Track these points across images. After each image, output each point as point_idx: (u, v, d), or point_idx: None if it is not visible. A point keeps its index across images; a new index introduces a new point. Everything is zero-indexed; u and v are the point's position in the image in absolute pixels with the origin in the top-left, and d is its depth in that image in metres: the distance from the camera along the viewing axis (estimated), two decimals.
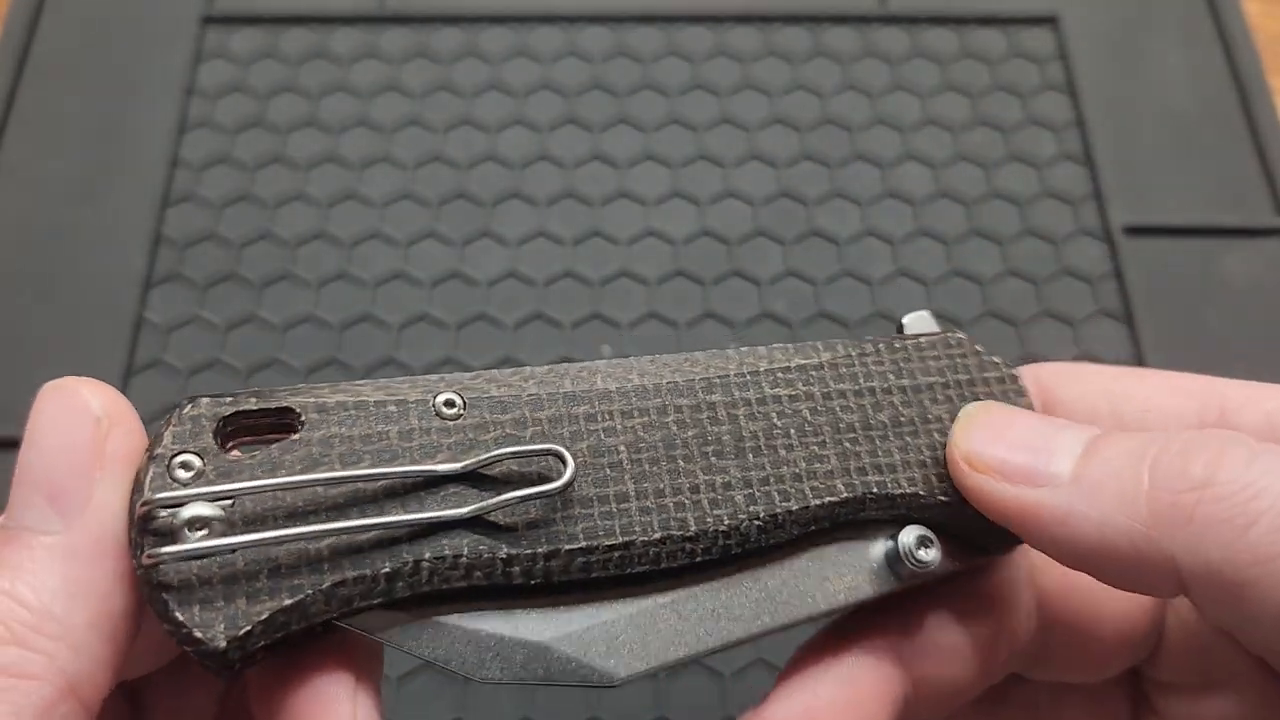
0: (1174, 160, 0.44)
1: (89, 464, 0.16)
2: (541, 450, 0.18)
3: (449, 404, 0.18)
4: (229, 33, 0.46)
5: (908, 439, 0.20)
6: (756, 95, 0.45)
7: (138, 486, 0.16)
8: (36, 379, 0.39)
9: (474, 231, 0.42)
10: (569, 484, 0.18)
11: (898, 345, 0.21)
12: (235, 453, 0.17)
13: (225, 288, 0.41)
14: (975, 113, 0.45)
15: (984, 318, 0.40)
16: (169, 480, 0.16)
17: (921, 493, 0.20)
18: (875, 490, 0.20)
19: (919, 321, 0.22)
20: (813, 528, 0.19)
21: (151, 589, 0.16)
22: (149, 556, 0.16)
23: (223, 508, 0.16)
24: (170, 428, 0.17)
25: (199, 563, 0.16)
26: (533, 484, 0.17)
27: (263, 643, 0.16)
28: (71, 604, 0.15)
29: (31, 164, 0.43)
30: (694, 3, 0.47)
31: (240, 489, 0.16)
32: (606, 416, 0.19)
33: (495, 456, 0.18)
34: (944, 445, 0.20)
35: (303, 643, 0.17)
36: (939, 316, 0.23)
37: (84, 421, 0.16)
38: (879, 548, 0.20)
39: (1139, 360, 0.39)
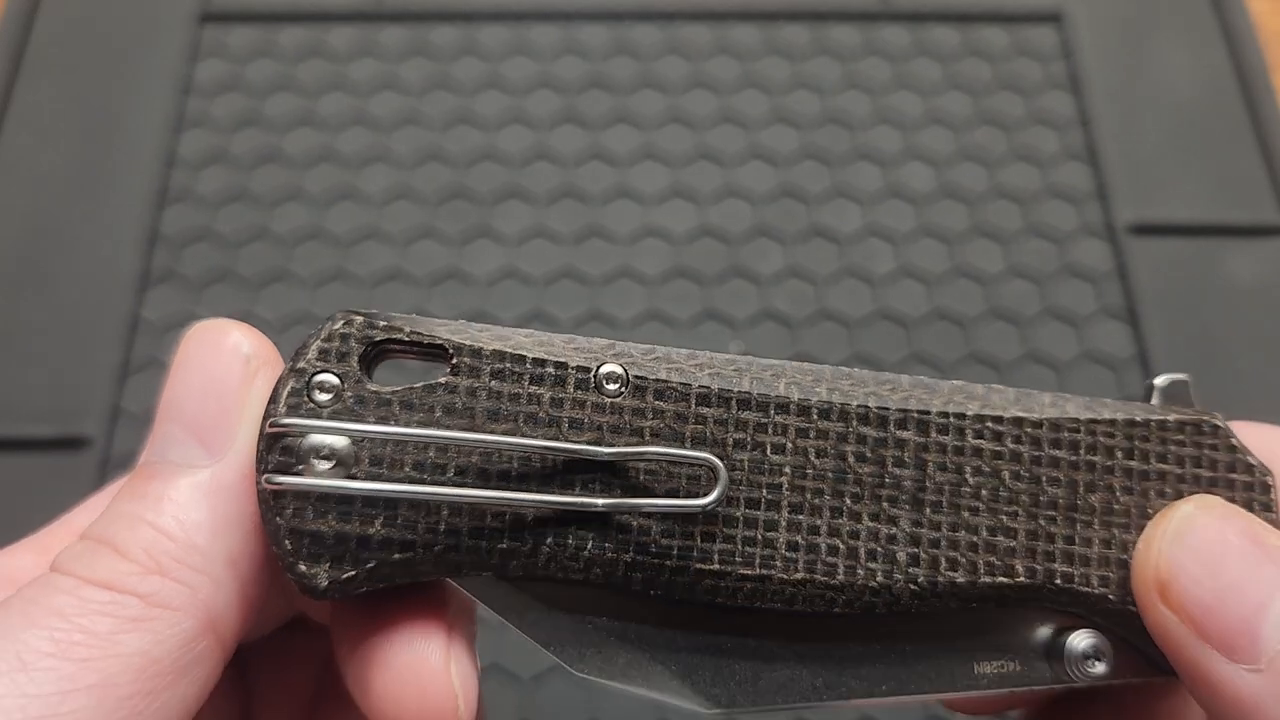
0: (1178, 158, 0.43)
1: (237, 402, 0.16)
2: (697, 459, 0.16)
3: (612, 378, 0.17)
4: (225, 30, 0.46)
5: (1115, 531, 0.18)
6: (757, 93, 0.45)
7: (274, 398, 0.16)
8: (32, 377, 0.39)
9: (472, 230, 0.42)
10: (714, 504, 0.16)
11: (1139, 419, 0.18)
12: (375, 386, 0.16)
13: (222, 286, 0.40)
14: (978, 110, 0.45)
15: (987, 316, 0.40)
16: (305, 399, 0.16)
17: (1112, 597, 0.17)
18: (1059, 582, 0.17)
19: (1175, 388, 0.19)
20: (974, 605, 0.17)
21: (267, 510, 0.16)
22: (269, 482, 0.16)
23: (353, 441, 0.16)
24: (317, 341, 0.16)
25: (317, 497, 0.16)
26: (679, 491, 0.16)
27: (364, 589, 0.16)
28: (214, 539, 0.15)
29: (28, 161, 0.43)
30: (694, 0, 0.47)
31: (373, 432, 0.16)
32: (779, 430, 0.17)
33: (645, 454, 0.16)
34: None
35: (403, 591, 0.16)
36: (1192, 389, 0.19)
37: (233, 360, 0.16)
38: (1042, 639, 0.18)
39: (1141, 359, 0.39)
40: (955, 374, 0.39)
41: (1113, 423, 0.18)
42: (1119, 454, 0.18)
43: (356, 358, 0.16)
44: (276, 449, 0.16)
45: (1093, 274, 0.41)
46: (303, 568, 0.15)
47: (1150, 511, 0.18)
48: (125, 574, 0.15)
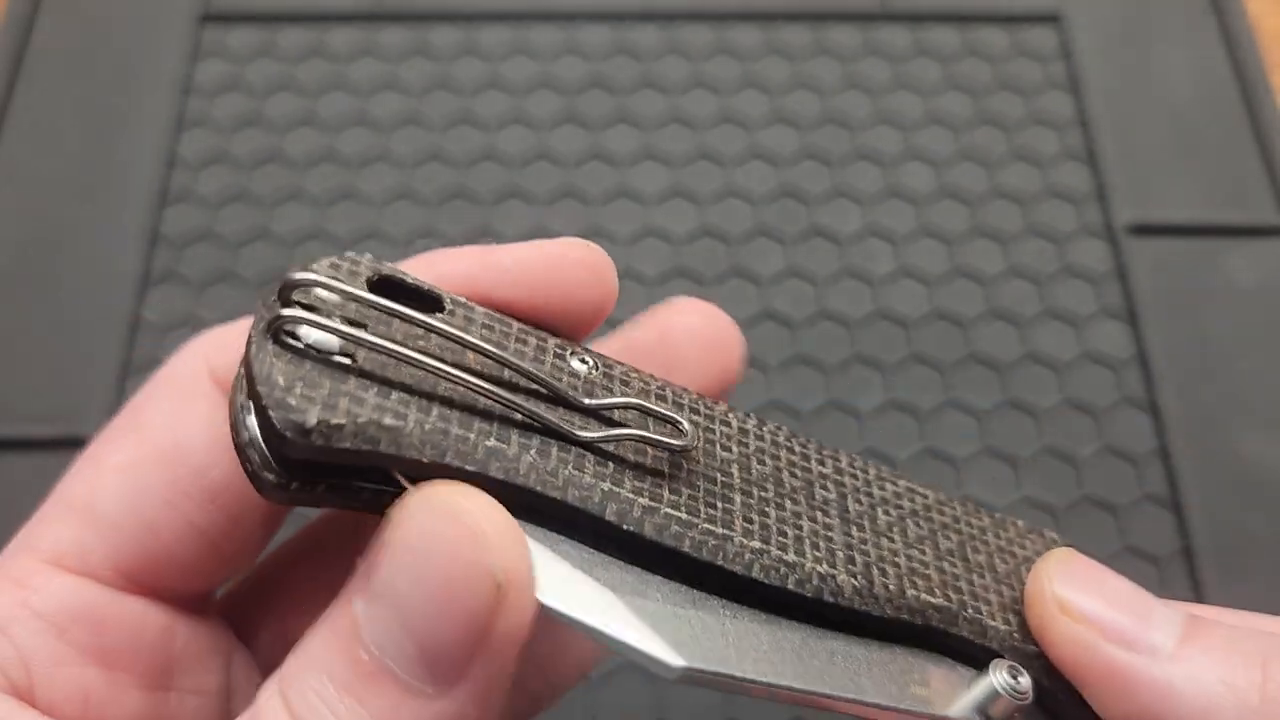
0: (1177, 159, 0.43)
1: (477, 638, 0.14)
2: (668, 416, 0.17)
3: (580, 360, 0.17)
4: (226, 31, 0.46)
5: (1003, 587, 0.19)
6: (757, 93, 0.45)
7: (266, 300, 0.15)
8: (33, 378, 0.39)
9: (473, 230, 0.42)
10: (688, 447, 0.17)
11: (998, 516, 0.21)
12: (379, 299, 0.16)
13: (222, 287, 0.40)
14: (978, 111, 0.45)
15: (986, 317, 0.40)
16: (311, 296, 0.16)
17: (1016, 634, 0.19)
18: (970, 613, 0.18)
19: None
20: (904, 617, 0.18)
21: (269, 340, 0.15)
22: (283, 310, 0.15)
23: (362, 321, 0.16)
24: (329, 258, 0.16)
25: (318, 350, 0.15)
26: (645, 454, 0.17)
27: (346, 447, 0.15)
28: None
29: (28, 162, 0.43)
30: (694, 0, 0.47)
31: (388, 306, 0.15)
32: (725, 430, 0.18)
33: (625, 404, 0.17)
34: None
35: (367, 501, 0.16)
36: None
37: (483, 589, 0.14)
38: (965, 675, 0.19)
39: (1142, 358, 0.39)
40: (955, 374, 0.39)
41: (979, 511, 0.20)
42: (989, 534, 0.20)
43: (365, 280, 0.16)
44: (293, 300, 0.15)
45: (1092, 274, 0.41)
46: (292, 401, 0.14)
47: (1023, 577, 0.19)
48: None
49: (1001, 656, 0.19)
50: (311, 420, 0.14)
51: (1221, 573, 0.35)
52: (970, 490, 0.37)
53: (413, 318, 0.15)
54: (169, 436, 0.17)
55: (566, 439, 0.16)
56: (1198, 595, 0.34)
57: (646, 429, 0.17)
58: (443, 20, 0.46)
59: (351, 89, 0.45)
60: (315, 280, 0.15)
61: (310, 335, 0.15)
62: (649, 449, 0.17)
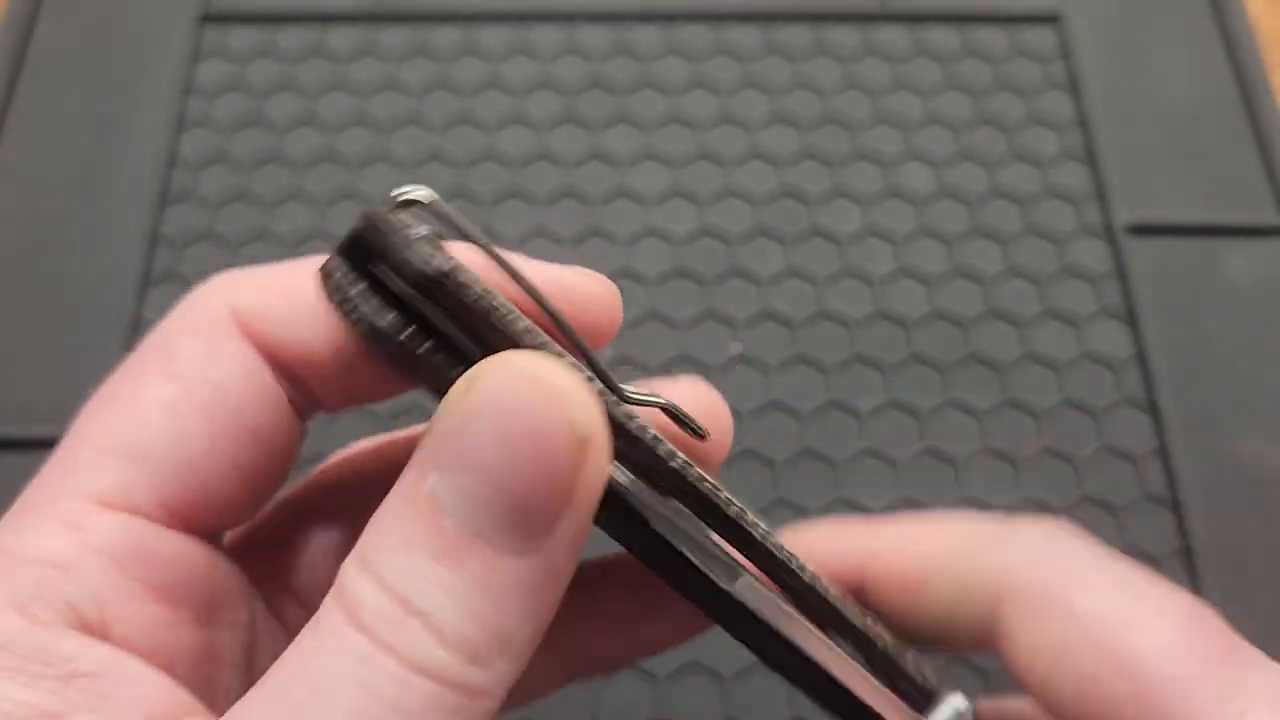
0: (1177, 159, 0.43)
1: (566, 494, 0.14)
2: (691, 422, 0.18)
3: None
4: (226, 31, 0.46)
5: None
6: (757, 94, 0.45)
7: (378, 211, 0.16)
8: (33, 378, 0.39)
9: None
10: (704, 435, 0.18)
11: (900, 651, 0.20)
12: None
13: None
14: (977, 111, 0.45)
15: (986, 317, 0.40)
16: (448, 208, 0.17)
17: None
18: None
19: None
20: (838, 629, 0.19)
21: (399, 211, 0.16)
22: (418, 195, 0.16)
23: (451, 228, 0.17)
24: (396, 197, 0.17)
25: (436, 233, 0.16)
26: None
27: (468, 300, 0.15)
28: (529, 632, 0.15)
29: (28, 163, 0.43)
30: (694, 1, 0.47)
31: (476, 234, 0.16)
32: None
33: (659, 402, 0.17)
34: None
35: (437, 372, 0.16)
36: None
37: (570, 444, 0.14)
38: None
39: (1141, 358, 0.39)
40: (955, 374, 0.39)
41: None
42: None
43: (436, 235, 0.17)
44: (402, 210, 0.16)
45: (1092, 274, 0.41)
46: (430, 250, 0.15)
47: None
48: (449, 665, 0.14)
49: None
50: (447, 266, 0.15)
51: (1221, 573, 0.35)
52: (970, 490, 0.37)
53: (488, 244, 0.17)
54: (206, 376, 0.17)
55: (615, 392, 0.16)
56: (1197, 595, 0.34)
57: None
58: (443, 20, 0.47)
59: (352, 89, 0.45)
60: (429, 199, 0.16)
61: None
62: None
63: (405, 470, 0.15)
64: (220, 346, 0.17)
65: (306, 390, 0.18)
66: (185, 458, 0.17)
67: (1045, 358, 0.39)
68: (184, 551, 0.17)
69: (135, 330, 0.39)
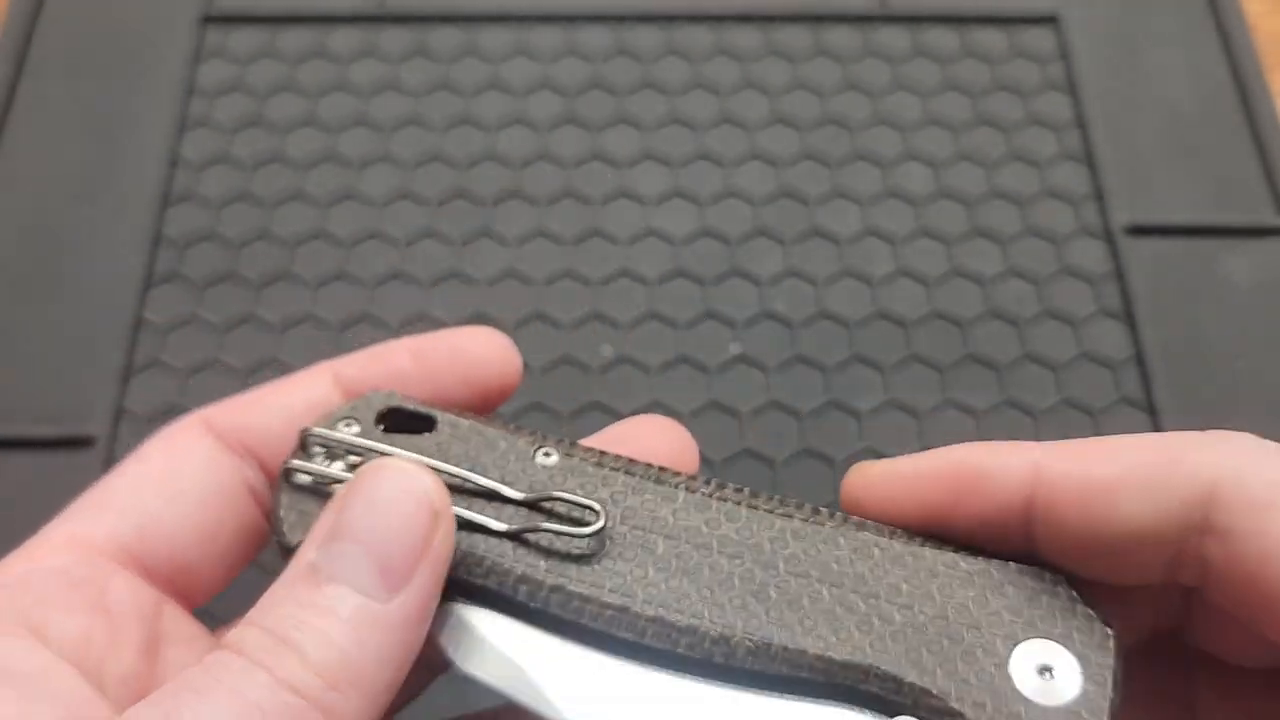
0: (1175, 159, 0.44)
1: (420, 552, 0.18)
2: (582, 503, 0.20)
3: (545, 454, 0.21)
4: (228, 32, 0.46)
5: (944, 642, 0.19)
6: (757, 94, 0.45)
7: (310, 424, 0.21)
8: (36, 378, 0.39)
9: (473, 231, 0.42)
10: (595, 533, 0.20)
11: (996, 569, 0.20)
12: (382, 432, 0.21)
13: (224, 287, 0.41)
14: (976, 112, 0.45)
15: (985, 317, 0.40)
16: (329, 436, 0.21)
17: (933, 690, 0.19)
18: (882, 669, 0.19)
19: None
20: (805, 674, 0.19)
21: (281, 485, 0.20)
22: (293, 463, 0.21)
23: (352, 465, 0.21)
24: (350, 401, 0.22)
25: (314, 489, 0.20)
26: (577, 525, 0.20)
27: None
28: (380, 669, 0.17)
29: (30, 163, 0.43)
30: (694, 2, 0.47)
31: (366, 445, 0.21)
32: (666, 511, 0.20)
33: (548, 496, 0.20)
34: (982, 661, 0.19)
35: None
36: None
37: (425, 514, 0.18)
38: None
39: (1140, 358, 0.39)
40: (954, 374, 0.39)
41: (959, 564, 0.20)
42: (957, 586, 0.20)
43: (375, 416, 0.21)
44: (301, 452, 0.21)
45: (1090, 275, 0.41)
46: (284, 529, 0.20)
47: (983, 632, 0.19)
48: (311, 684, 0.16)
49: (907, 716, 0.19)
50: (294, 541, 0.19)
51: None
52: None
53: (382, 449, 0.21)
54: (165, 458, 0.21)
55: (496, 534, 0.20)
56: None
57: (580, 518, 0.20)
58: (444, 22, 0.47)
59: (353, 90, 0.45)
60: (313, 434, 0.21)
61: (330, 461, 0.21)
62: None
63: (285, 570, 0.18)
64: (181, 440, 0.22)
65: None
66: (142, 513, 0.20)
67: (1044, 358, 0.39)
68: (128, 590, 0.20)
69: (137, 330, 0.39)
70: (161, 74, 0.45)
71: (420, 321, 0.40)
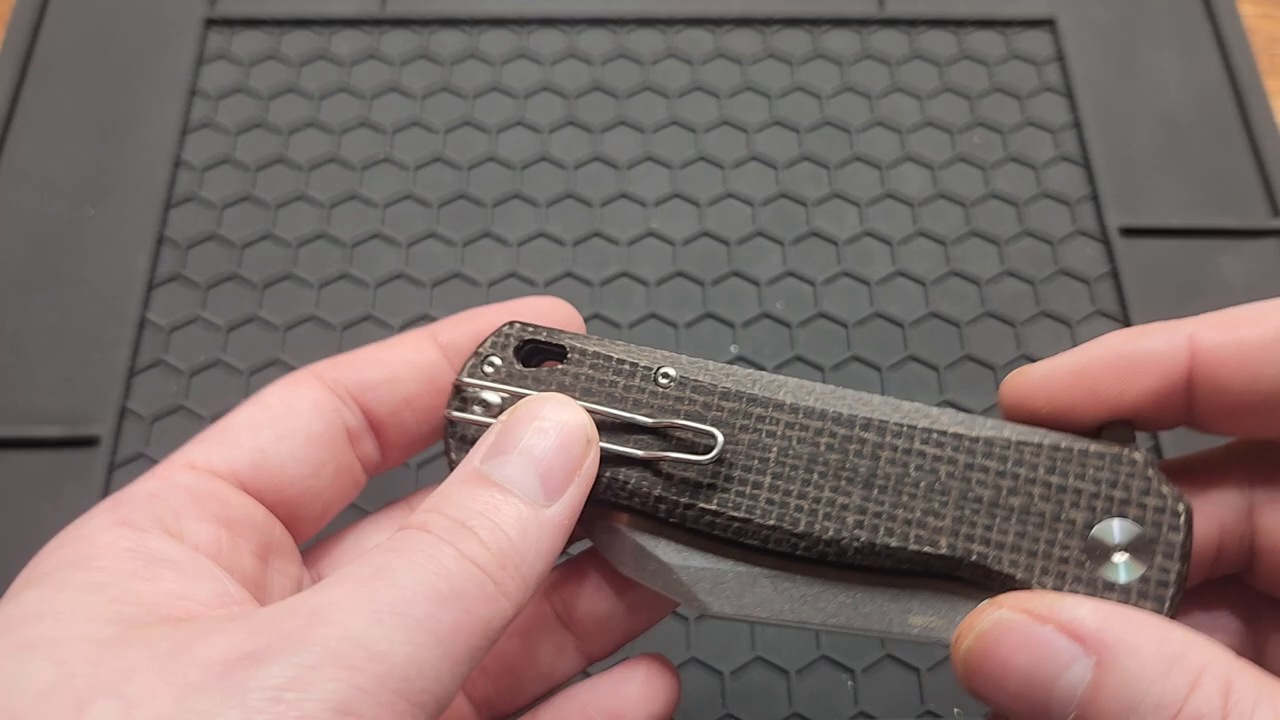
0: (1170, 162, 0.44)
1: (574, 469, 0.21)
2: (705, 430, 0.23)
3: (665, 375, 0.23)
4: (231, 35, 0.47)
5: (1029, 528, 0.21)
6: (756, 97, 0.46)
7: (460, 369, 0.24)
8: (42, 378, 0.39)
9: (475, 232, 0.42)
10: (714, 460, 0.22)
11: (1064, 445, 0.22)
12: (520, 367, 0.24)
13: (227, 288, 0.41)
14: (973, 115, 0.45)
15: (982, 318, 0.41)
16: (480, 370, 0.24)
17: (1020, 578, 0.21)
18: (975, 559, 0.21)
19: (1121, 430, 0.22)
20: (906, 567, 0.22)
21: (449, 427, 0.24)
22: (454, 413, 0.24)
23: (502, 397, 0.23)
24: (490, 338, 0.24)
25: (473, 423, 0.23)
26: (697, 453, 0.23)
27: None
28: (537, 561, 0.20)
29: (35, 165, 0.43)
30: (694, 6, 0.48)
31: (514, 390, 0.23)
32: (773, 422, 0.23)
33: (673, 424, 0.23)
34: (1064, 545, 0.21)
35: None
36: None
37: (581, 440, 0.22)
38: (966, 608, 0.22)
39: None
40: (951, 375, 0.40)
41: (1039, 446, 0.22)
42: (1041, 470, 0.22)
43: (513, 349, 0.24)
44: (457, 397, 0.24)
45: (1086, 275, 0.41)
46: (453, 457, 0.23)
47: (1063, 517, 0.21)
48: (488, 561, 0.20)
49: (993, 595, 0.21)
50: (459, 459, 0.23)
51: None
52: None
53: (522, 392, 0.23)
54: (281, 401, 0.24)
55: (633, 461, 0.23)
56: None
57: (699, 440, 0.23)
58: (446, 25, 0.47)
59: (355, 92, 0.45)
60: (468, 383, 0.24)
61: (482, 395, 0.24)
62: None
63: (466, 456, 0.22)
64: (294, 386, 0.24)
65: (382, 430, 0.25)
66: (254, 446, 0.23)
67: (1040, 358, 0.40)
68: (246, 505, 0.23)
69: (141, 330, 0.40)
70: (165, 77, 0.45)
71: (421, 321, 0.40)
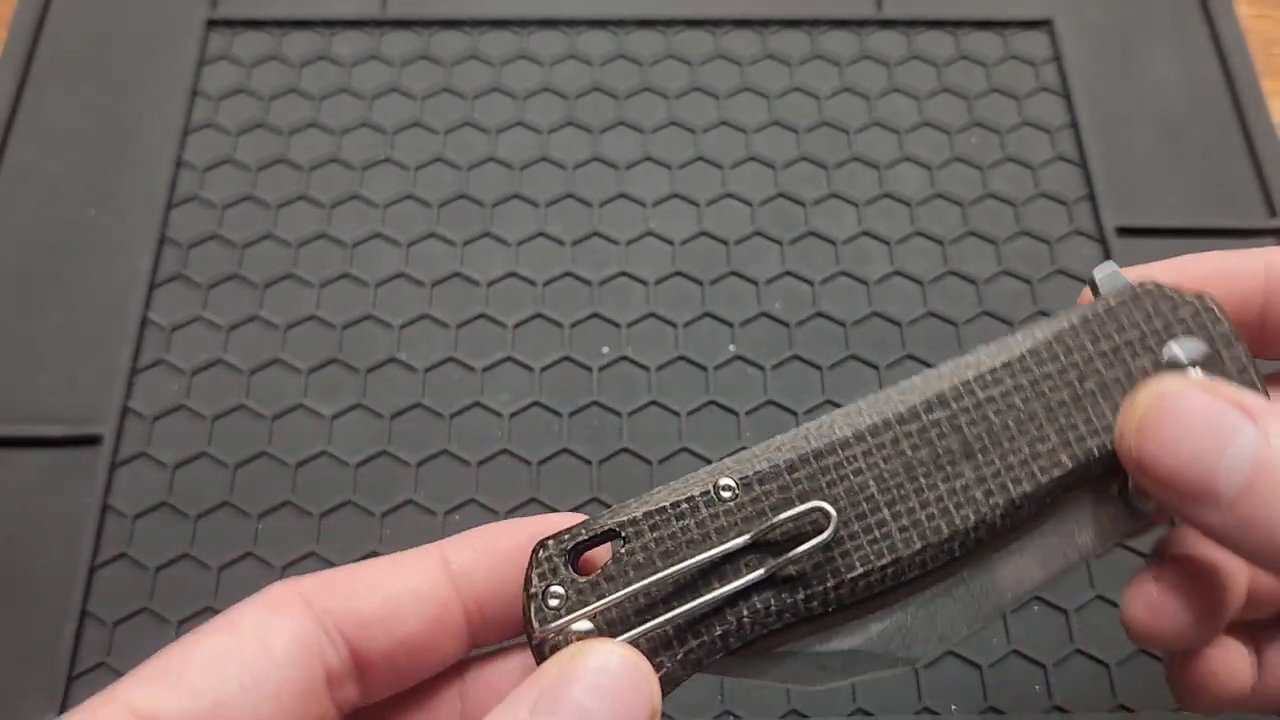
0: (1167, 162, 0.44)
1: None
2: (808, 509, 0.21)
3: (725, 488, 0.21)
4: (232, 36, 0.47)
5: (1118, 398, 0.22)
6: (754, 98, 0.46)
7: (526, 620, 0.21)
8: (44, 378, 0.40)
9: (475, 232, 0.43)
10: (835, 532, 0.21)
11: (1090, 315, 0.23)
12: (584, 579, 0.21)
13: (228, 288, 0.41)
14: (971, 115, 0.45)
15: (979, 318, 0.41)
16: (545, 609, 0.20)
17: (1108, 444, 0.22)
18: (1097, 452, 0.22)
19: (1109, 278, 0.23)
20: (1049, 500, 0.22)
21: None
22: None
23: (591, 620, 0.20)
24: (533, 570, 0.21)
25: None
26: (807, 536, 0.21)
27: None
28: None
29: (37, 166, 0.43)
30: (693, 7, 0.48)
31: (598, 606, 0.20)
32: (851, 460, 0.22)
33: (772, 525, 0.21)
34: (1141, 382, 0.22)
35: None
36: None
37: (648, 709, 0.19)
38: (1112, 495, 0.22)
39: None
40: None
41: (1073, 328, 0.23)
42: (1089, 345, 0.22)
43: (563, 565, 0.21)
44: (547, 646, 0.20)
45: (1083, 276, 0.42)
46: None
47: (1134, 370, 0.22)
48: None
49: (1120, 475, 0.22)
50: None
51: None
52: None
53: (610, 602, 0.20)
54: (256, 634, 0.20)
55: (758, 585, 0.21)
56: None
57: (802, 524, 0.21)
58: (447, 26, 0.47)
59: (356, 93, 0.46)
60: (550, 630, 0.20)
61: (571, 627, 0.21)
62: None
63: (504, 703, 0.18)
64: (278, 614, 0.20)
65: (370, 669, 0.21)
66: (216, 696, 0.19)
67: None
68: None
69: (143, 330, 0.40)
70: (167, 78, 0.45)
71: (422, 321, 0.40)
